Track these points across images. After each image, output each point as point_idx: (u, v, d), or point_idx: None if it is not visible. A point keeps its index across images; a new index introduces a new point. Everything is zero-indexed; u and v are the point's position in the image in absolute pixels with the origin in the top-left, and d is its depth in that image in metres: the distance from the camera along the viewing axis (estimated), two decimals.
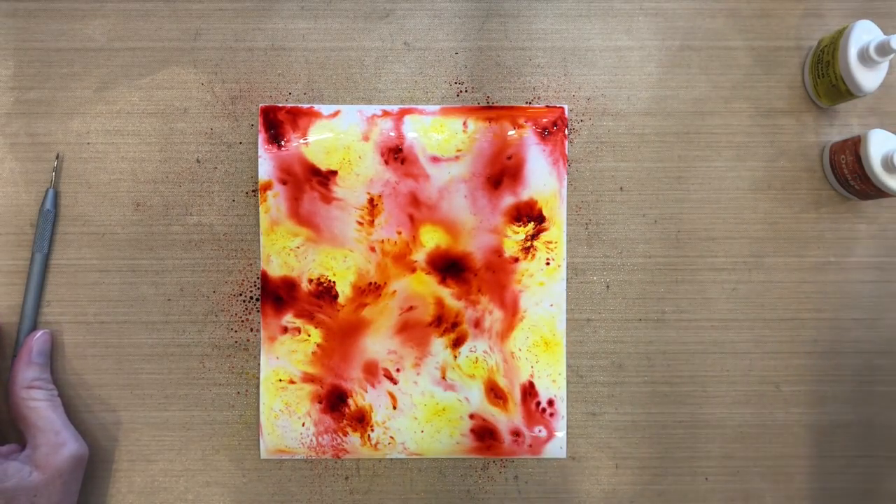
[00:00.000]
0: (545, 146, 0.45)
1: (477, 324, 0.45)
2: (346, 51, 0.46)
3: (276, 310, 0.44)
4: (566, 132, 0.45)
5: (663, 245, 0.46)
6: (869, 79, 0.42)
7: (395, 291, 0.44)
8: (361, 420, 0.44)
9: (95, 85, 0.45)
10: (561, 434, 0.44)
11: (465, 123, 0.45)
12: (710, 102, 0.46)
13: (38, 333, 0.43)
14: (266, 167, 0.44)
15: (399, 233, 0.44)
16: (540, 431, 0.44)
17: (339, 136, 0.44)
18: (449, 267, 0.45)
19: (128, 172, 0.45)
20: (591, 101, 0.46)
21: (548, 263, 0.45)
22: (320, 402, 0.44)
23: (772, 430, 0.45)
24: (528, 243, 0.45)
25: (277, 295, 0.44)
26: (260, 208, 0.44)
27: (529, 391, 0.44)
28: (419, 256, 0.45)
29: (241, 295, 0.45)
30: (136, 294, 0.45)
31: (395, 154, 0.44)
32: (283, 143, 0.44)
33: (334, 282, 0.44)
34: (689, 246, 0.46)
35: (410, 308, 0.44)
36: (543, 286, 0.45)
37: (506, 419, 0.44)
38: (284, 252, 0.44)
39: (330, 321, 0.44)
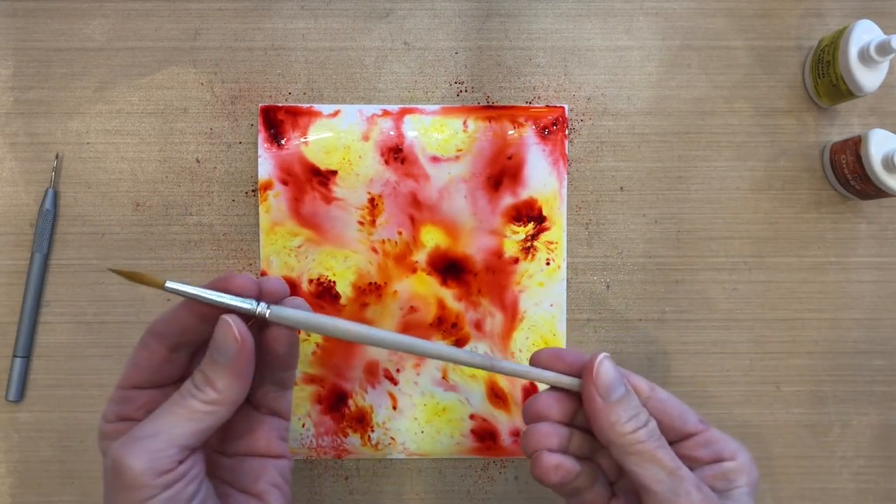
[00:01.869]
0: (545, 146, 0.45)
1: (478, 326, 0.44)
2: (346, 51, 0.46)
3: None
4: (566, 132, 0.45)
5: (663, 245, 0.46)
6: (869, 79, 0.42)
7: (396, 292, 0.44)
8: (362, 421, 0.44)
9: (95, 85, 0.45)
10: None
11: (465, 123, 0.45)
12: (710, 102, 0.46)
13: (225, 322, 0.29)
14: (266, 167, 0.44)
15: (400, 233, 0.44)
16: None
17: (339, 136, 0.44)
18: (449, 268, 0.45)
19: (128, 172, 0.45)
20: (591, 101, 0.46)
21: (548, 264, 0.45)
22: (320, 403, 0.44)
23: (772, 430, 0.45)
24: (529, 243, 0.45)
25: None
26: (260, 208, 0.44)
27: (531, 392, 0.44)
28: (420, 257, 0.44)
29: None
30: (136, 294, 0.45)
31: (395, 154, 0.44)
32: (283, 142, 0.44)
33: (334, 281, 0.44)
34: (689, 246, 0.46)
35: (412, 309, 0.44)
36: (543, 286, 0.45)
37: (507, 420, 0.44)
38: (284, 252, 0.44)
39: None
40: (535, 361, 0.33)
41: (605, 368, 0.31)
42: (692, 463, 0.32)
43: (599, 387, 0.31)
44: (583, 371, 0.32)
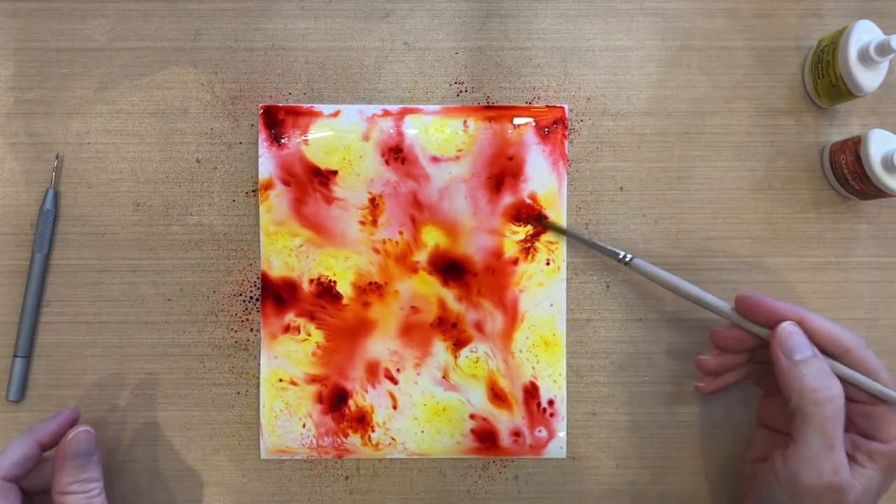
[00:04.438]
0: (545, 146, 0.45)
1: (479, 327, 0.44)
2: (346, 51, 0.46)
3: (276, 309, 0.44)
4: (566, 132, 0.45)
5: (663, 245, 0.46)
6: (869, 79, 0.42)
7: (397, 292, 0.44)
8: (362, 421, 0.44)
9: (95, 85, 0.45)
10: (561, 434, 0.44)
11: (465, 123, 0.45)
12: (710, 102, 0.46)
13: (72, 433, 0.38)
14: (267, 166, 0.44)
15: (401, 233, 0.44)
16: (540, 432, 0.44)
17: (339, 136, 0.44)
18: (449, 268, 0.45)
19: (128, 172, 0.45)
20: (591, 101, 0.46)
21: (548, 264, 0.45)
22: (321, 403, 0.44)
23: None
24: (529, 244, 0.45)
25: (278, 294, 0.44)
26: (261, 207, 0.44)
27: (532, 392, 0.44)
28: (421, 257, 0.45)
29: (241, 295, 0.45)
30: (136, 294, 0.45)
31: (396, 154, 0.44)
32: (283, 142, 0.44)
33: (335, 281, 0.44)
34: (689, 246, 0.46)
35: (414, 309, 0.44)
36: (543, 287, 0.45)
37: (507, 420, 0.44)
38: (285, 252, 0.44)
39: (332, 321, 0.44)
40: (738, 304, 0.40)
41: (786, 333, 0.37)
42: (846, 422, 0.36)
43: (782, 348, 0.37)
44: (771, 333, 0.38)
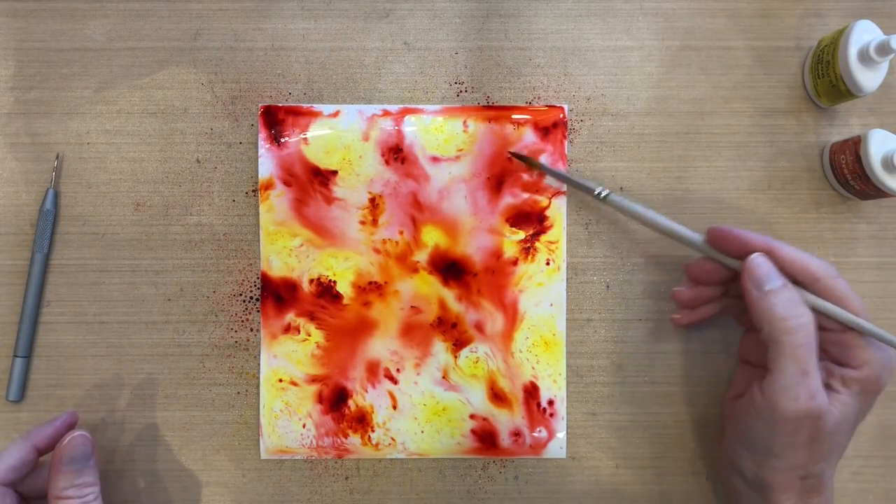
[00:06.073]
0: (545, 146, 0.45)
1: (479, 327, 0.44)
2: (346, 51, 0.46)
3: (276, 309, 0.44)
4: (566, 132, 0.45)
5: (663, 245, 0.46)
6: (869, 79, 0.42)
7: (398, 291, 0.44)
8: (362, 421, 0.44)
9: (95, 85, 0.45)
10: (561, 434, 0.44)
11: (465, 123, 0.45)
12: (710, 102, 0.46)
13: (68, 438, 0.38)
14: (267, 166, 0.44)
15: (401, 233, 0.44)
16: (540, 432, 0.44)
17: (339, 136, 0.44)
18: (449, 268, 0.45)
19: (128, 172, 0.45)
20: (591, 101, 0.46)
21: (548, 264, 0.45)
22: (321, 403, 0.44)
23: None
24: (529, 244, 0.45)
25: (278, 294, 0.44)
26: (261, 207, 0.44)
27: (532, 392, 0.44)
28: (421, 257, 0.45)
29: (241, 295, 0.45)
30: (136, 294, 0.45)
31: (396, 154, 0.44)
32: (283, 142, 0.44)
33: (335, 281, 0.44)
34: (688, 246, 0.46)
35: (414, 309, 0.44)
36: (543, 287, 0.45)
37: (507, 420, 0.44)
38: (285, 252, 0.44)
39: (332, 321, 0.44)
40: (709, 236, 0.40)
41: (755, 264, 0.37)
42: (819, 351, 0.36)
43: (752, 279, 0.37)
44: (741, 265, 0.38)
